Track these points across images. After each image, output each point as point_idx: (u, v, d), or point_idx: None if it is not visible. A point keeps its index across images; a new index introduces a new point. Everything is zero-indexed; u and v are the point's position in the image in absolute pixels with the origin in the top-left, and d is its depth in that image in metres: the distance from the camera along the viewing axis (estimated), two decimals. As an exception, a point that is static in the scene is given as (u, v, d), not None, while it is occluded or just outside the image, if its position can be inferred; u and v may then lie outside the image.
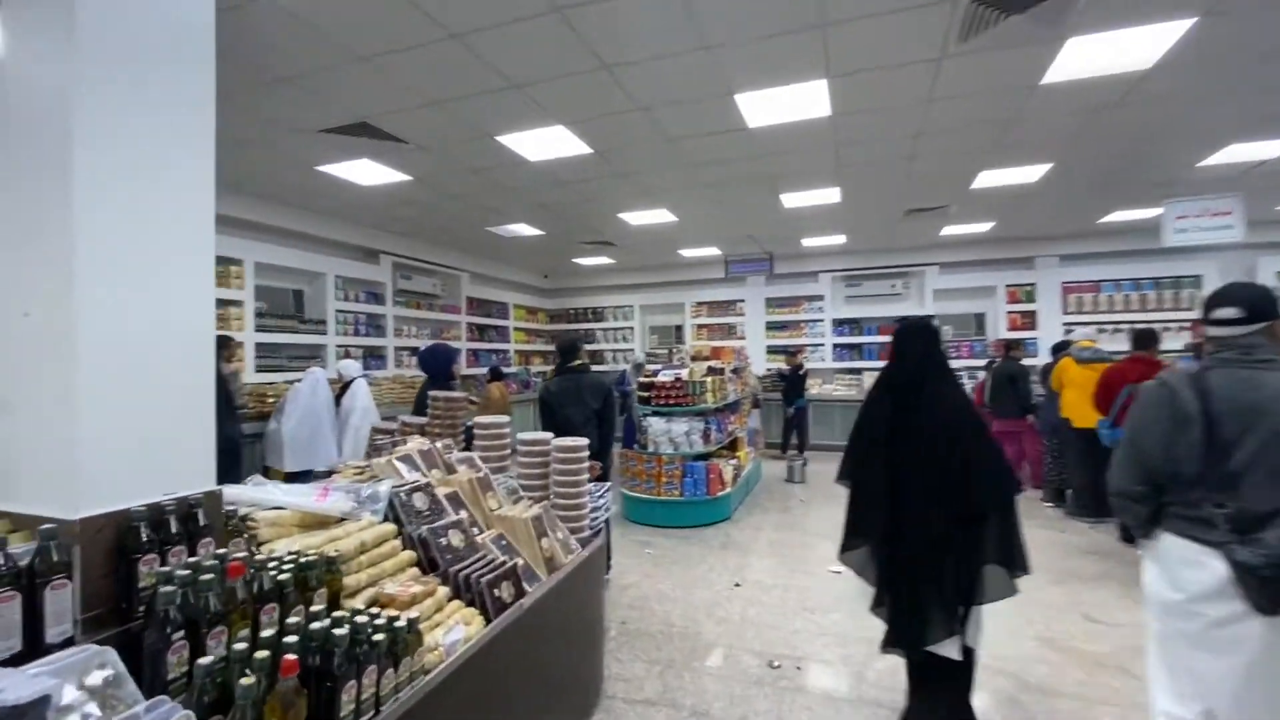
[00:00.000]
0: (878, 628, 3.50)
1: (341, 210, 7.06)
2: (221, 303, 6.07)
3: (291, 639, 1.21)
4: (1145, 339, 4.71)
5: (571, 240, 8.95)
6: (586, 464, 2.63)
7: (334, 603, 1.52)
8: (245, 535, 1.66)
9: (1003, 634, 3.15)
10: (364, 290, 7.98)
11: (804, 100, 4.17)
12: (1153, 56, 3.59)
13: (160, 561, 1.34)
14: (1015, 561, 2.11)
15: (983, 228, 8.64)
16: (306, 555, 1.53)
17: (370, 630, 1.33)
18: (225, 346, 5.25)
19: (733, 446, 6.73)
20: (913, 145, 5.10)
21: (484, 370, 8.51)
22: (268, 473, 5.42)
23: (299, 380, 5.63)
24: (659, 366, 6.63)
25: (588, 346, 12.04)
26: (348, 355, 7.36)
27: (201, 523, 1.45)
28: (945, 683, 2.24)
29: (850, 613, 3.67)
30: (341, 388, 5.95)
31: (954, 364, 9.49)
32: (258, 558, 1.33)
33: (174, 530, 1.38)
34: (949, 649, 2.12)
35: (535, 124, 4.53)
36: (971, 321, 10.20)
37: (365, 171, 5.63)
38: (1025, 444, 7.25)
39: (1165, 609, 1.82)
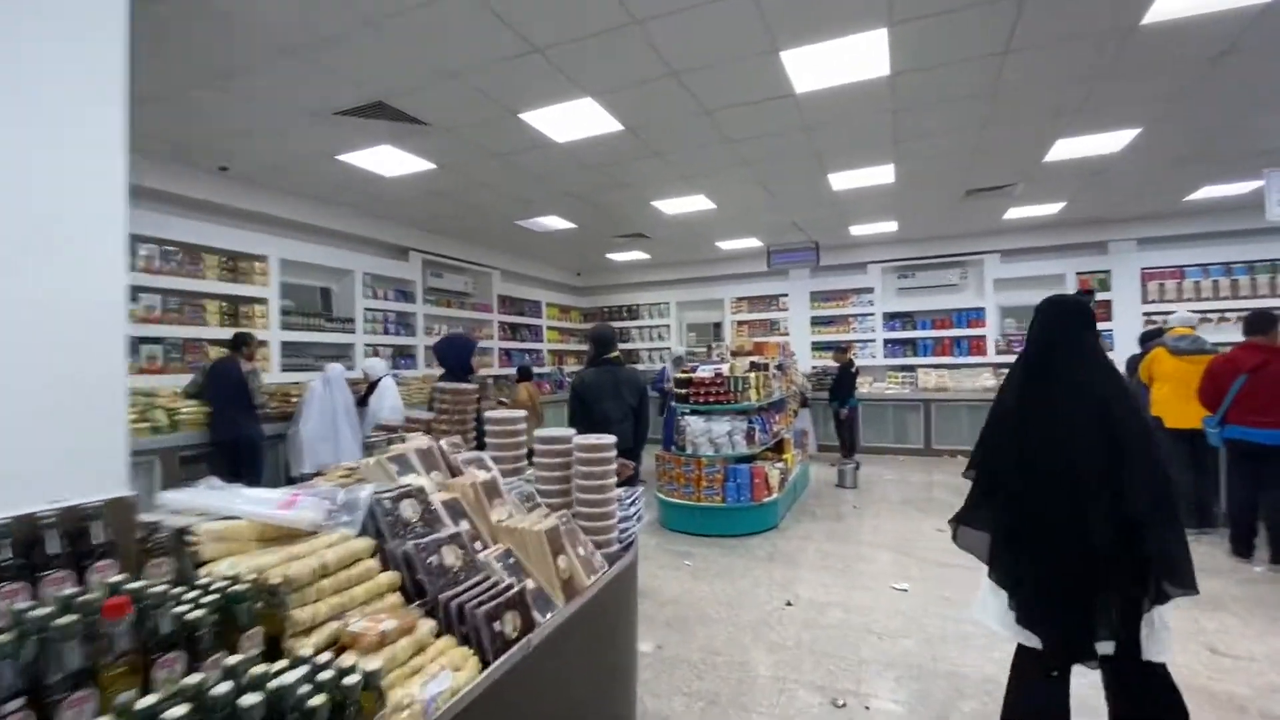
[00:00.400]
0: (957, 660, 3.02)
1: (368, 205, 6.88)
2: (245, 299, 5.93)
3: (178, 712, 0.85)
4: (1264, 321, 4.06)
5: (604, 234, 8.60)
6: (614, 466, 2.23)
7: (273, 647, 1.16)
8: (182, 554, 1.32)
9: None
10: (393, 288, 7.80)
11: (860, 56, 3.69)
12: (1288, -21, 3.01)
13: (32, 593, 1.01)
14: (1181, 578, 1.79)
15: (1051, 209, 7.91)
16: (241, 582, 1.18)
17: (305, 693, 0.96)
18: (246, 344, 5.07)
19: (778, 448, 6.24)
20: (982, 109, 4.55)
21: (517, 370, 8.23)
22: (290, 481, 5.22)
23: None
24: (697, 363, 6.20)
25: (622, 345, 11.72)
26: (376, 354, 7.16)
27: (99, 540, 1.11)
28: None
29: (924, 639, 3.17)
30: (368, 387, 5.73)
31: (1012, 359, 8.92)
32: (152, 590, 0.98)
33: (52, 551, 1.04)
34: (1104, 647, 1.84)
35: (560, 97, 4.18)
36: (1036, 313, 9.38)
37: (388, 160, 5.39)
38: (1106, 445, 6.55)
39: None
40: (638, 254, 10.27)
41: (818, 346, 10.31)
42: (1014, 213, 8.04)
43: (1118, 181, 6.61)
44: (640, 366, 11.57)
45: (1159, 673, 1.91)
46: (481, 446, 2.46)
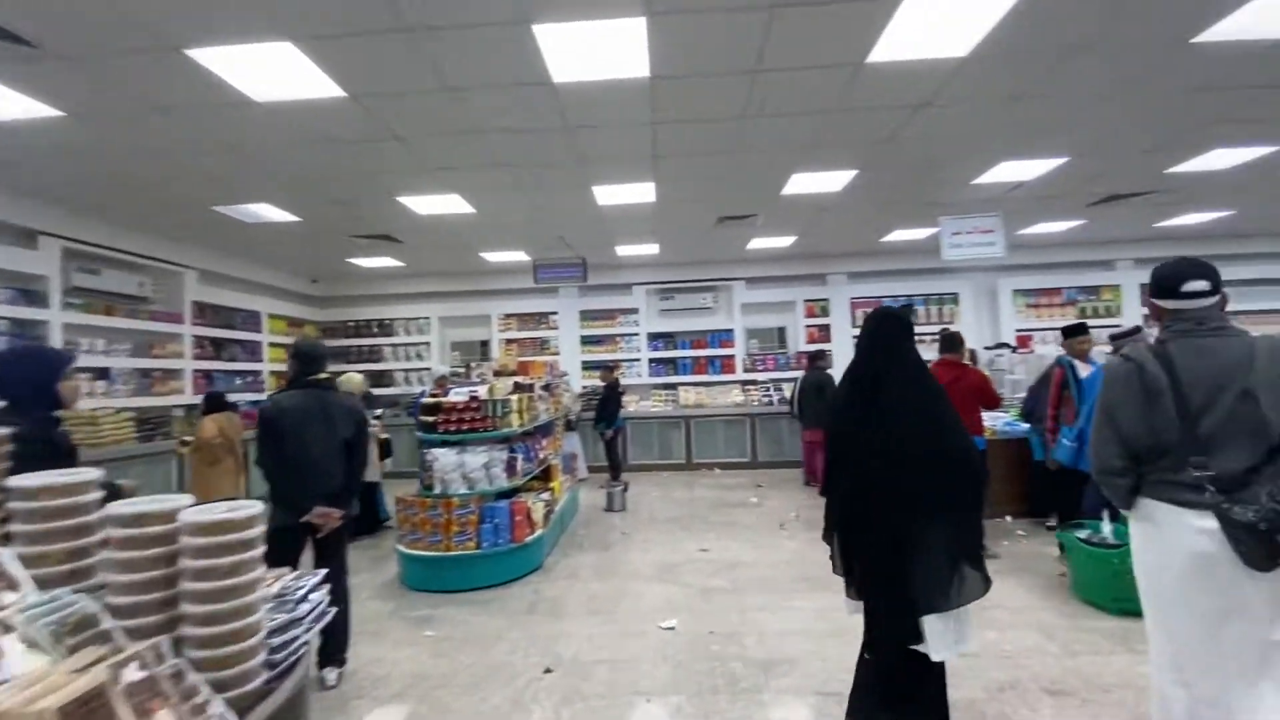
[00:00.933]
0: (727, 712, 2.67)
1: (-49, 162, 4.73)
2: None
3: None
4: (954, 342, 4.73)
5: (341, 232, 7.27)
6: (259, 552, 1.43)
7: None
8: None
9: (835, 669, 2.53)
10: (7, 286, 5.51)
11: (619, 48, 3.39)
12: (972, 41, 3.44)
13: None
14: (973, 560, 2.08)
15: (785, 242, 8.80)
16: None
17: None
18: None
19: (545, 476, 5.71)
20: (734, 132, 4.63)
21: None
22: None
23: None
24: (451, 386, 5.40)
25: (374, 366, 10.21)
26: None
27: None
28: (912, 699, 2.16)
29: (694, 692, 2.84)
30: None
31: (760, 376, 9.64)
32: None
33: None
34: (936, 649, 2.04)
35: (246, 33, 3.14)
36: (775, 335, 10.46)
37: (-31, 93, 3.65)
38: (834, 453, 7.31)
39: (1160, 574, 1.89)
40: (388, 260, 9.00)
41: (588, 366, 10.13)
42: (756, 243, 8.77)
43: (834, 220, 7.53)
44: (396, 390, 10.21)
45: (935, 670, 2.14)
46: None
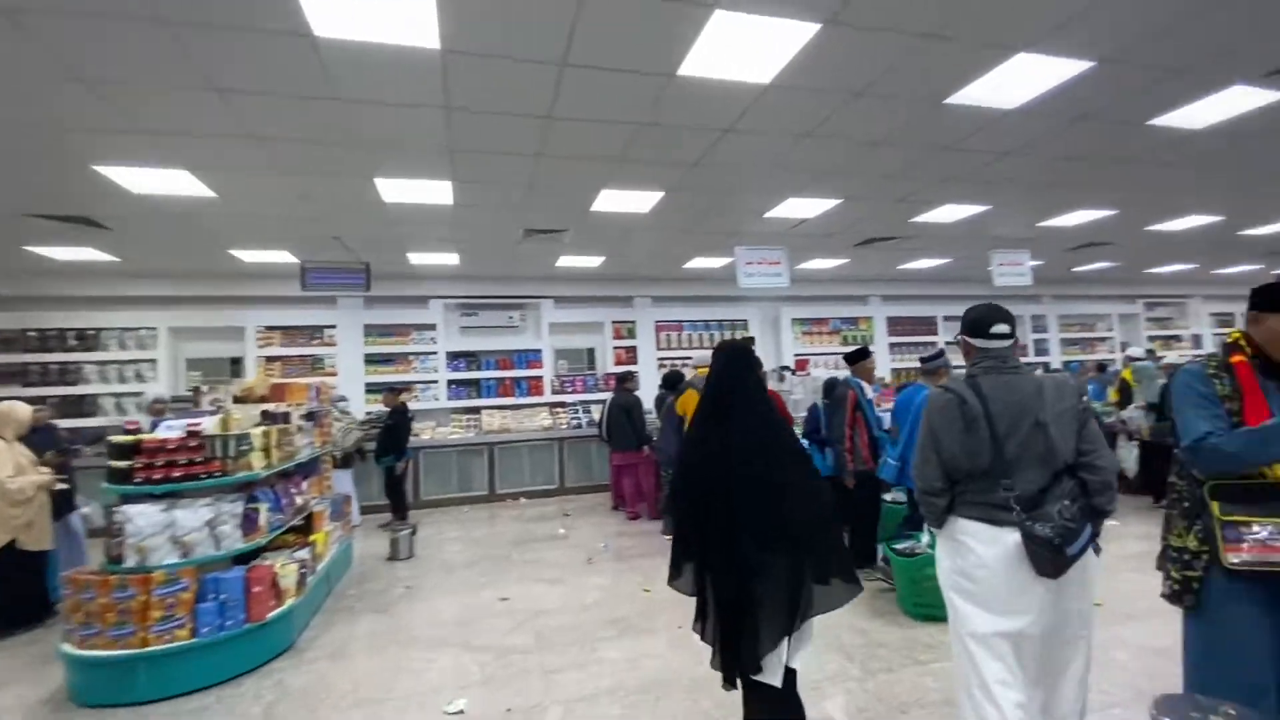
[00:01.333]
0: None
1: None
2: None
3: None
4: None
5: (13, 211, 5.36)
6: None
7: None
8: None
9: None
10: None
11: (402, 6, 2.80)
12: (775, 67, 3.47)
13: None
14: (848, 571, 2.06)
15: (594, 262, 8.65)
16: None
17: None
18: None
19: (306, 528, 4.64)
20: (541, 132, 4.24)
21: None
22: None
23: None
24: (170, 417, 4.14)
25: (65, 390, 7.84)
26: None
27: None
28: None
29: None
30: None
31: (570, 398, 9.30)
32: None
33: None
34: (770, 676, 1.99)
35: None
36: (584, 356, 10.25)
37: None
38: (642, 476, 7.20)
39: (966, 587, 2.00)
40: (93, 252, 6.94)
41: (375, 388, 8.86)
42: (565, 261, 8.49)
43: (640, 243, 7.54)
44: (102, 421, 7.89)
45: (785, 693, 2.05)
46: None
